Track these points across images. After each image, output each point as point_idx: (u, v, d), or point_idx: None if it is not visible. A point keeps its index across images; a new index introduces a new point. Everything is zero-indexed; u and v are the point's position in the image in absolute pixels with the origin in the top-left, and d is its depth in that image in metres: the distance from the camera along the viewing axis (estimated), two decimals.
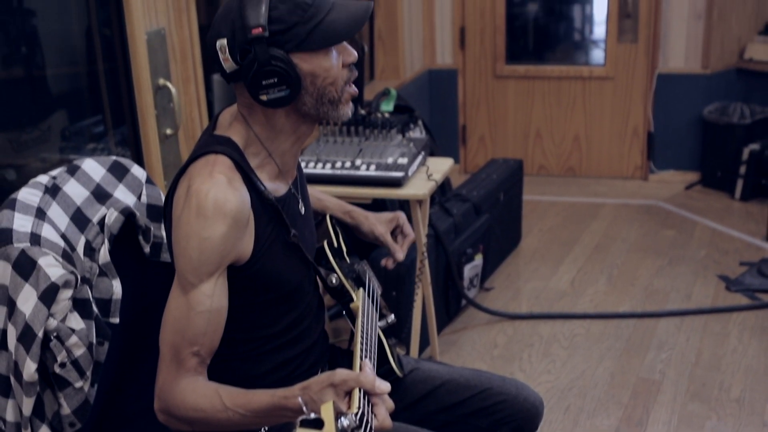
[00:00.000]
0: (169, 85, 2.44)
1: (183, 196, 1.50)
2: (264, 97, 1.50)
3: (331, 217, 1.91)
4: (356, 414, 1.21)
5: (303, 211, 1.69)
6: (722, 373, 3.05)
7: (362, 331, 1.62)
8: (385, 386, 1.31)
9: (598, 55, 5.43)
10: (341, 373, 1.31)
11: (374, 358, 1.60)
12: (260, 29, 1.46)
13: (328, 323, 1.95)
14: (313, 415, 1.10)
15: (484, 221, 3.61)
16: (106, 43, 2.74)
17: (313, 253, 1.72)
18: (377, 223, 1.94)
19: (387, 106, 3.62)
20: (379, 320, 1.82)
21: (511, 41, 5.31)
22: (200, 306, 1.47)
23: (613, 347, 3.26)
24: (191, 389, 1.45)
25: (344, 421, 1.13)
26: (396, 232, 1.97)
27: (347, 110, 1.59)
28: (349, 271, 1.79)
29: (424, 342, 3.15)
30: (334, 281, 1.71)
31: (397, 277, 3.00)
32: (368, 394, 1.29)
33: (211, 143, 1.56)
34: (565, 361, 3.18)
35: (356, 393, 1.28)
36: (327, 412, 1.11)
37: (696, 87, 4.92)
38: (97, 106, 2.87)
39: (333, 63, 1.53)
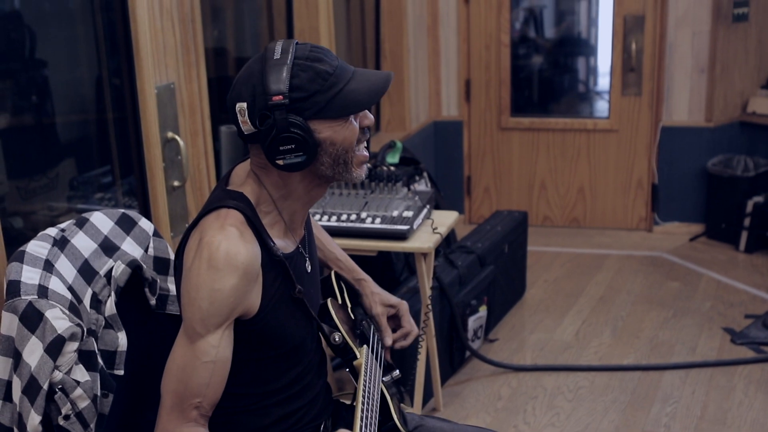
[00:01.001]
0: (178, 138, 2.47)
1: (194, 248, 1.52)
2: (281, 162, 1.52)
3: (337, 274, 1.93)
4: None
5: (309, 269, 1.71)
6: (728, 427, 3.03)
7: (364, 391, 1.62)
8: None
9: (602, 107, 5.48)
10: None
11: (376, 417, 1.60)
12: (281, 96, 1.48)
13: (332, 374, 1.95)
14: None
15: (488, 273, 3.62)
16: (116, 94, 2.78)
17: (317, 310, 1.74)
18: (378, 304, 1.95)
19: (392, 159, 3.65)
20: (384, 375, 1.82)
21: (516, 93, 5.37)
22: (205, 356, 1.48)
23: (617, 400, 3.25)
24: None
25: None
26: (397, 320, 1.97)
27: (361, 172, 1.61)
28: (353, 328, 1.80)
29: (428, 394, 3.14)
30: (337, 339, 1.73)
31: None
32: None
33: (223, 198, 1.58)
34: (570, 413, 3.16)
35: None
36: None
37: (700, 140, 4.95)
38: (106, 157, 2.91)
39: (351, 127, 1.56)
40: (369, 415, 1.54)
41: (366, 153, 1.62)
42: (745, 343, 3.65)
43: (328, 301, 1.78)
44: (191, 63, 2.57)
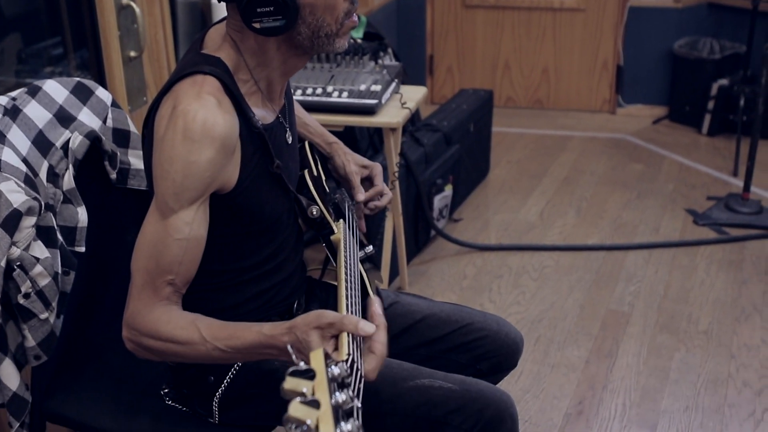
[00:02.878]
0: (133, 4, 2.32)
1: (167, 116, 1.40)
2: (257, 25, 1.40)
3: (310, 144, 1.84)
4: (346, 361, 1.16)
5: (290, 140, 1.62)
6: (690, 306, 3.06)
7: (346, 267, 1.56)
8: (369, 328, 1.25)
9: None
10: (327, 315, 1.26)
11: (359, 294, 1.55)
12: None
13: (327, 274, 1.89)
14: (303, 365, 1.04)
15: (454, 152, 3.56)
16: None
17: (295, 184, 1.66)
18: (352, 162, 1.88)
19: (357, 33, 3.52)
20: (359, 251, 1.77)
21: None
22: (178, 233, 1.40)
23: (582, 279, 3.26)
24: (165, 319, 1.39)
25: (335, 370, 1.08)
26: (369, 182, 1.90)
27: (344, 43, 1.50)
28: (329, 201, 1.73)
29: (394, 272, 3.12)
30: (314, 212, 1.64)
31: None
32: (357, 338, 1.25)
33: (199, 62, 1.45)
34: (535, 292, 3.17)
35: (344, 338, 1.22)
36: (317, 361, 1.05)
37: (667, 21, 4.86)
38: (56, 28, 2.75)
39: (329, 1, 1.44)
40: (353, 294, 1.49)
41: (355, 19, 1.51)
42: (707, 224, 3.67)
43: (305, 172, 1.70)
44: None
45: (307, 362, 1.05)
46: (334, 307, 1.41)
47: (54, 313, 1.55)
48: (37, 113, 1.67)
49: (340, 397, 1.01)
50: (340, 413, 0.98)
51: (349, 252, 1.63)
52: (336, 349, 1.23)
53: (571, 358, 2.77)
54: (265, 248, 1.59)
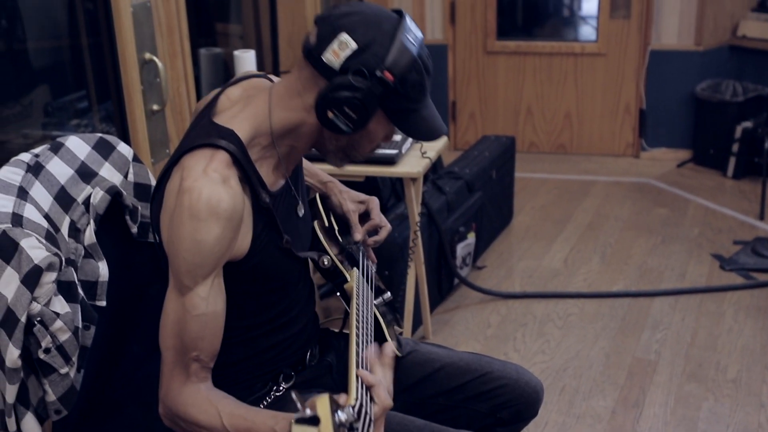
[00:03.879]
0: (156, 59, 2.36)
1: (175, 191, 1.42)
2: (330, 115, 1.42)
3: (321, 197, 1.85)
4: (353, 406, 1.16)
5: (301, 213, 1.63)
6: (718, 353, 3.01)
7: (357, 313, 1.57)
8: (372, 379, 1.27)
9: (589, 31, 5.36)
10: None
11: (371, 341, 1.55)
12: (392, 78, 1.40)
13: (319, 303, 1.89)
14: (309, 412, 1.03)
15: (477, 199, 3.56)
16: (90, 17, 2.66)
17: (307, 248, 1.67)
18: (348, 200, 1.88)
19: None
20: (375, 297, 1.77)
21: (502, 16, 5.24)
22: (196, 310, 1.41)
23: (607, 327, 3.22)
24: (192, 402, 1.42)
25: (341, 416, 1.08)
26: (367, 217, 1.91)
27: (343, 165, 1.57)
28: (342, 251, 1.74)
29: (417, 321, 3.10)
30: (326, 263, 1.66)
31: (389, 256, 2.94)
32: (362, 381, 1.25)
33: (212, 134, 1.45)
34: (560, 341, 3.14)
35: (353, 383, 1.23)
36: (323, 408, 1.05)
37: (689, 64, 4.86)
38: (81, 81, 2.80)
39: (386, 135, 1.52)
40: (363, 340, 1.48)
41: (368, 153, 1.56)
42: (734, 270, 3.63)
43: (315, 223, 1.71)
44: None
45: (313, 410, 1.05)
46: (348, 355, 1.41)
47: (74, 367, 1.56)
48: (59, 169, 1.68)
49: None
50: None
51: (362, 299, 1.64)
52: (347, 397, 1.23)
53: (597, 408, 2.73)
54: (277, 305, 1.60)
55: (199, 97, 2.80)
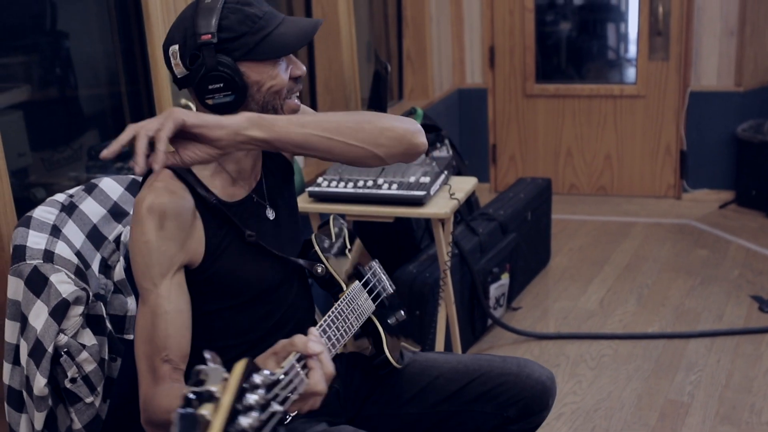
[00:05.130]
0: (190, 104, 2.46)
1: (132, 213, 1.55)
2: (210, 101, 1.54)
3: (335, 217, 1.91)
4: (273, 373, 1.14)
5: (272, 216, 1.68)
6: (753, 396, 2.98)
7: (336, 310, 1.64)
8: (317, 347, 1.27)
9: (629, 73, 5.39)
10: (282, 341, 1.30)
11: (342, 338, 1.61)
12: (209, 36, 1.50)
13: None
14: (214, 367, 1.03)
15: (510, 240, 3.59)
16: (131, 65, 2.78)
17: (294, 253, 1.72)
18: None
19: None
20: (389, 316, 1.82)
21: (541, 60, 5.30)
22: (159, 309, 1.48)
23: (641, 368, 3.21)
24: (166, 393, 1.46)
25: (256, 378, 1.06)
26: None
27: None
28: (348, 268, 1.79)
29: None
30: (319, 270, 1.72)
31: (420, 296, 2.98)
32: (304, 359, 1.26)
33: None
34: (592, 381, 3.13)
35: (290, 357, 1.24)
36: (238, 367, 1.05)
37: (729, 105, 4.85)
38: (122, 126, 2.91)
39: (279, 73, 1.57)
40: (332, 331, 1.57)
41: (297, 102, 1.63)
42: None
43: (312, 236, 1.77)
44: None
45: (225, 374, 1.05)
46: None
47: (99, 397, 1.63)
48: (92, 209, 1.78)
49: (251, 397, 1.01)
50: (241, 410, 0.98)
51: (348, 302, 1.69)
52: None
53: None
54: (267, 320, 1.65)
55: None
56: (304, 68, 1.63)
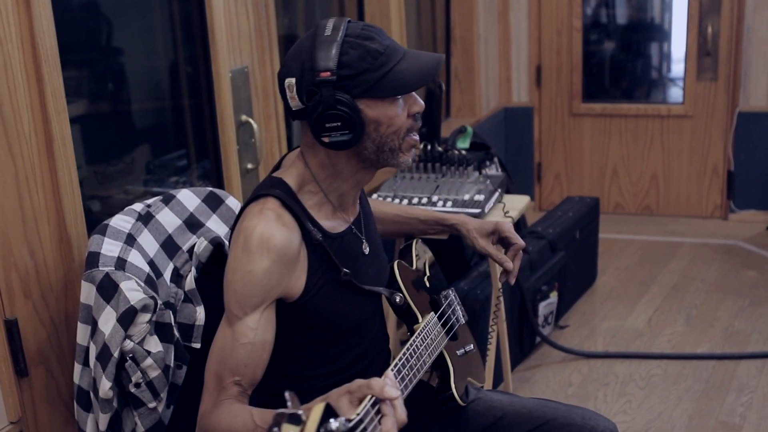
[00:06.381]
0: (251, 121, 2.51)
1: (235, 234, 1.55)
2: (326, 139, 1.52)
3: (418, 242, 1.92)
4: (350, 420, 1.15)
5: (367, 250, 1.69)
6: None
7: (411, 347, 1.62)
8: (393, 393, 1.24)
9: (676, 93, 5.37)
10: (357, 380, 1.28)
11: (415, 377, 1.59)
12: (329, 73, 1.48)
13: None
14: (291, 411, 1.04)
15: (559, 259, 3.59)
16: (190, 80, 2.83)
17: (382, 285, 1.73)
18: (478, 237, 1.96)
19: (463, 143, 3.64)
20: (458, 348, 1.82)
21: (588, 79, 5.30)
22: (243, 338, 1.50)
23: (691, 389, 3.19)
24: (227, 411, 1.48)
25: (332, 424, 1.07)
26: (504, 242, 1.98)
27: (407, 159, 1.60)
28: (424, 296, 1.80)
29: (498, 378, 3.14)
30: (398, 300, 1.71)
31: (471, 313, 3.00)
32: (378, 403, 1.24)
33: (266, 185, 1.60)
34: (642, 401, 3.12)
35: (365, 401, 1.23)
36: (316, 411, 1.06)
37: None
38: (181, 141, 2.96)
39: (398, 112, 1.55)
40: (407, 371, 1.54)
41: (416, 137, 1.61)
42: None
43: (395, 264, 1.78)
44: (264, 47, 2.60)
45: (306, 411, 1.06)
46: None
47: (163, 403, 1.67)
48: (168, 219, 1.83)
49: None
50: None
51: (423, 337, 1.67)
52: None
53: None
54: (348, 354, 1.66)
55: None
56: (423, 104, 1.59)
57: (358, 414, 1.19)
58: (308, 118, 1.52)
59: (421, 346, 1.66)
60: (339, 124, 1.50)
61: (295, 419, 1.04)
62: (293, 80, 1.53)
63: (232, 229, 1.62)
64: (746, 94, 4.84)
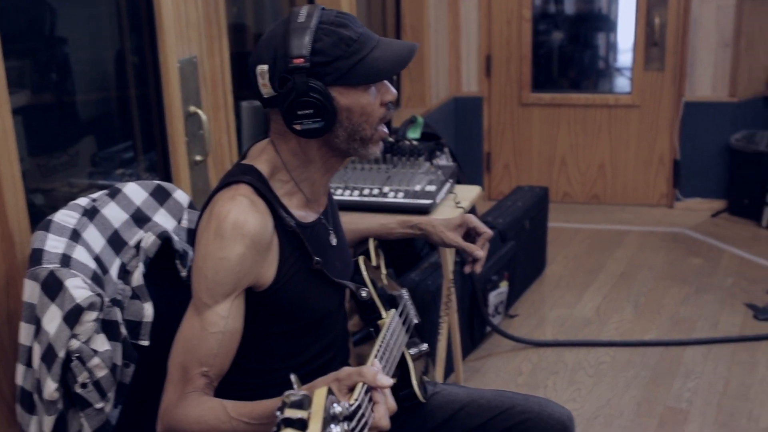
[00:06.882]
0: (200, 112, 2.47)
1: (206, 220, 1.52)
2: (298, 127, 1.51)
3: (375, 240, 1.92)
4: (351, 404, 1.17)
5: (334, 242, 1.69)
6: (751, 403, 3.02)
7: (382, 342, 1.61)
8: (386, 381, 1.27)
9: (623, 83, 5.44)
10: (346, 368, 1.30)
11: (390, 370, 1.60)
12: (302, 59, 1.47)
13: (353, 349, 1.94)
14: (302, 393, 1.05)
15: (509, 248, 3.61)
16: (137, 70, 2.78)
17: (345, 278, 1.72)
18: (446, 231, 1.96)
19: (414, 134, 3.64)
20: (411, 347, 1.82)
21: (537, 69, 5.34)
22: (213, 327, 1.48)
23: (639, 375, 3.24)
24: (195, 404, 1.45)
25: (336, 407, 1.08)
26: (471, 233, 1.98)
27: (376, 150, 1.60)
28: (384, 293, 1.79)
29: (449, 368, 3.15)
30: (364, 294, 1.70)
31: (422, 304, 3.00)
32: (370, 391, 1.26)
33: (236, 173, 1.58)
34: (591, 389, 3.16)
35: (358, 387, 1.25)
36: (319, 396, 1.07)
37: (723, 115, 4.90)
38: (127, 132, 2.91)
39: (371, 100, 1.54)
40: (384, 362, 1.53)
41: (385, 130, 1.61)
42: None
43: (360, 258, 1.77)
44: (213, 36, 2.56)
45: (310, 394, 1.07)
46: None
47: (110, 403, 1.63)
48: (114, 214, 1.79)
49: (335, 429, 1.02)
50: None
51: (391, 334, 1.67)
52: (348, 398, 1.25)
53: None
54: (312, 347, 1.64)
55: (239, 148, 2.91)
56: (395, 92, 1.58)
57: (356, 400, 1.19)
58: (280, 105, 1.51)
59: (392, 341, 1.66)
60: (311, 111, 1.49)
61: (300, 404, 1.03)
62: (265, 67, 1.51)
63: (200, 216, 1.59)
64: (692, 84, 4.92)
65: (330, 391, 1.10)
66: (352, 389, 1.27)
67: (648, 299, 3.91)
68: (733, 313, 3.71)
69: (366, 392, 1.24)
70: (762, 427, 2.87)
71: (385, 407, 1.27)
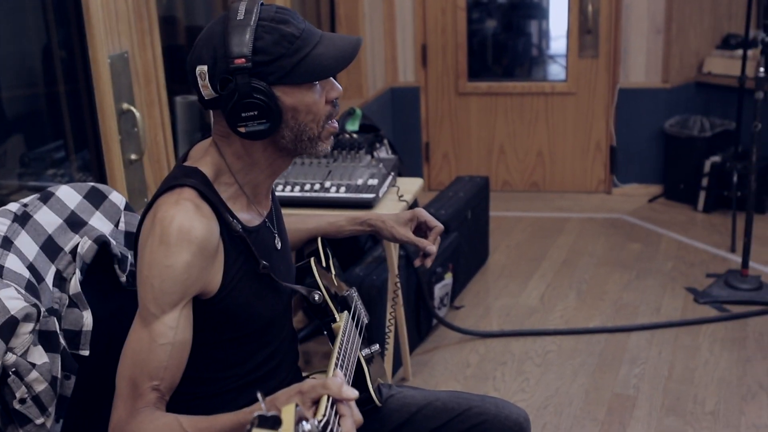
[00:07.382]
0: (134, 109, 2.38)
1: (149, 226, 1.45)
2: (242, 129, 1.45)
3: (322, 240, 1.87)
4: (320, 421, 1.14)
5: (279, 245, 1.64)
6: (696, 386, 3.05)
7: (340, 349, 1.58)
8: (352, 393, 1.23)
9: (559, 70, 5.47)
10: (309, 381, 1.26)
11: (350, 377, 1.56)
12: (243, 59, 1.41)
13: (300, 347, 1.90)
14: (271, 413, 1.02)
15: (452, 240, 3.59)
16: (66, 65, 2.68)
17: (291, 282, 1.67)
18: (396, 226, 1.91)
19: (353, 126, 3.59)
20: (363, 347, 1.77)
21: (473, 58, 5.33)
22: (162, 338, 1.41)
23: (586, 363, 3.25)
24: (148, 420, 1.39)
25: (305, 426, 1.06)
26: (422, 228, 1.94)
27: (326, 146, 1.55)
28: (336, 294, 1.75)
29: (397, 363, 3.11)
30: (317, 298, 1.65)
31: (368, 299, 2.95)
32: (336, 404, 1.23)
33: (178, 176, 1.51)
34: (539, 378, 3.16)
35: (323, 401, 1.21)
36: (288, 414, 1.03)
37: (657, 101, 4.96)
38: (58, 131, 2.81)
39: (316, 98, 1.49)
40: (344, 371, 1.49)
41: (335, 125, 1.55)
42: (708, 302, 3.68)
43: (311, 260, 1.72)
44: (144, 30, 2.47)
45: (278, 413, 1.04)
46: None
47: (51, 417, 1.55)
48: (47, 219, 1.70)
49: None
50: None
51: (347, 338, 1.64)
52: (315, 414, 1.21)
53: None
54: (258, 354, 1.59)
55: (176, 146, 2.82)
56: (341, 89, 1.53)
57: (324, 415, 1.16)
58: (222, 107, 1.44)
59: (349, 346, 1.61)
60: (255, 113, 1.43)
61: (269, 423, 1.00)
62: (205, 68, 1.44)
63: (141, 220, 1.51)
64: (626, 70, 4.96)
65: (297, 407, 1.06)
66: (316, 402, 1.23)
67: (590, 286, 3.93)
68: (674, 297, 3.75)
69: (332, 405, 1.21)
70: (707, 410, 2.90)
71: (352, 420, 1.23)
